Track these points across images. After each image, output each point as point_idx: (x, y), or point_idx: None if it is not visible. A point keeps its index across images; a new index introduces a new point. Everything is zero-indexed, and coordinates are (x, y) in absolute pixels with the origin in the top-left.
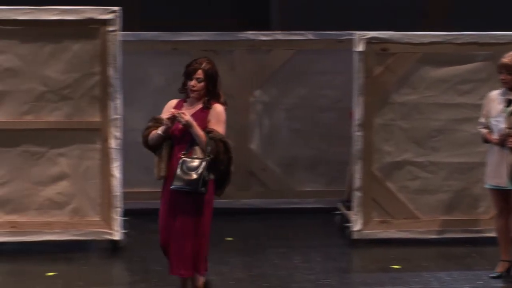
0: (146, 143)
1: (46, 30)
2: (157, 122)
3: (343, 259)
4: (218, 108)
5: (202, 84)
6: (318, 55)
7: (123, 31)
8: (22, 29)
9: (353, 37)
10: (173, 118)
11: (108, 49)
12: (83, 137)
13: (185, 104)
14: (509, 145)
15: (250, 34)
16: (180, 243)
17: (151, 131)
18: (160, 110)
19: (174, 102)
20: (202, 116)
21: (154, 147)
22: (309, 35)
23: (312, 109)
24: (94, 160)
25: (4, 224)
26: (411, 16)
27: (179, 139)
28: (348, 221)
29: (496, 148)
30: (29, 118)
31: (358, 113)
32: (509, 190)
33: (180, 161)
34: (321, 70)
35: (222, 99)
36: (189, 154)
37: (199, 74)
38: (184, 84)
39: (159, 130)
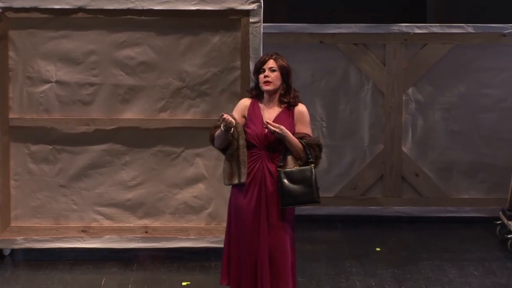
0: (212, 142)
1: (184, 21)
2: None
3: (503, 274)
4: (302, 107)
5: (276, 74)
6: (478, 50)
7: (266, 22)
8: (157, 20)
9: None
10: (228, 124)
11: (250, 42)
12: None
13: (260, 105)
14: None
15: (404, 27)
16: (282, 257)
17: (216, 130)
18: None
19: (247, 101)
20: (287, 119)
21: (221, 146)
22: (469, 28)
23: (472, 109)
24: None
25: (136, 229)
26: None
27: (266, 147)
28: (509, 232)
29: None
30: (164, 115)
31: None
32: None
33: (281, 174)
34: (482, 66)
35: (299, 96)
36: (284, 165)
37: (271, 63)
38: (258, 83)
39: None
